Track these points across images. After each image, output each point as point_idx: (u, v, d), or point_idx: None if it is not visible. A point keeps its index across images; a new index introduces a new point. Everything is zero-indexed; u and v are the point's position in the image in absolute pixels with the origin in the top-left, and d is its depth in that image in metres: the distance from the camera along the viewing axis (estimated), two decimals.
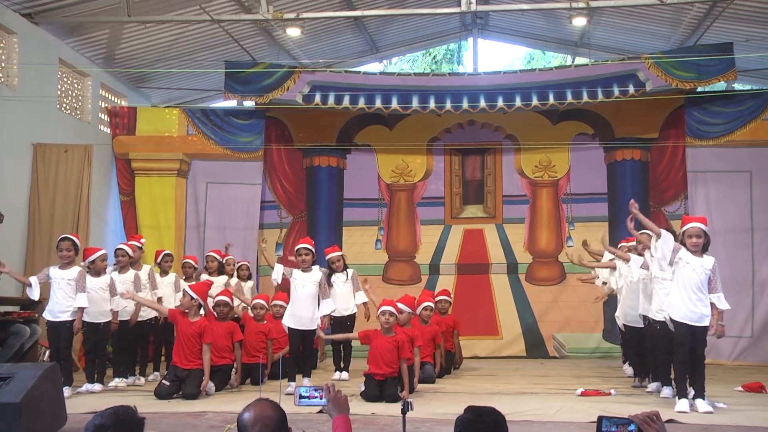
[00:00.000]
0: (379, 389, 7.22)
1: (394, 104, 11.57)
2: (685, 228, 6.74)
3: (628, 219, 7.95)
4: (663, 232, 6.73)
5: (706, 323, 6.60)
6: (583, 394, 7.56)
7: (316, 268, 8.10)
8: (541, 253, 12.30)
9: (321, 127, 12.48)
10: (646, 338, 7.83)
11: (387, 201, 12.53)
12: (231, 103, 12.75)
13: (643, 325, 7.88)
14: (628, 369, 9.23)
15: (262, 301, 9.11)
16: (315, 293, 7.93)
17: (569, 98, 11.35)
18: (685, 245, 6.68)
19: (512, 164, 12.46)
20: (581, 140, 12.30)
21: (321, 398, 3.49)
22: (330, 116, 12.28)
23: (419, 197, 12.53)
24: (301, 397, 3.62)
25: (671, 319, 6.75)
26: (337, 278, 9.12)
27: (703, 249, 6.69)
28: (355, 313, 9.24)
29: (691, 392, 6.65)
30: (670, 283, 6.90)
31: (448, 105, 11.57)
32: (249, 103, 12.35)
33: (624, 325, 8.52)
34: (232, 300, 8.55)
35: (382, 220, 12.50)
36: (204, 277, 9.73)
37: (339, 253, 9.30)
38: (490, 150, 12.52)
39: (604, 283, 9.82)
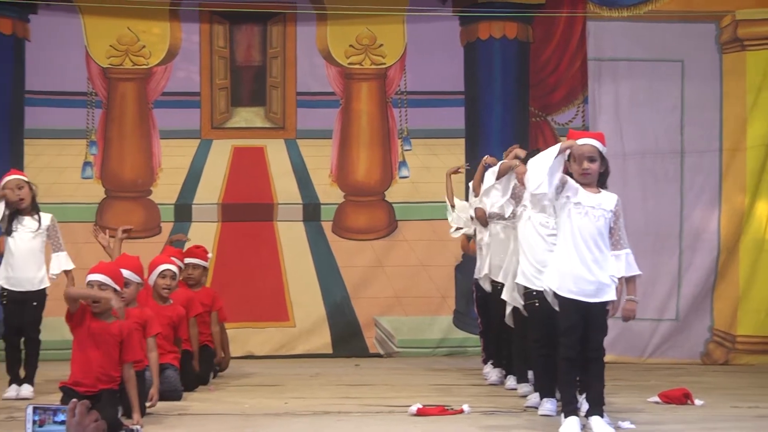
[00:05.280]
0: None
1: None
2: None
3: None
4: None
5: (606, 298, 6.89)
6: (419, 413, 7.75)
7: None
8: (359, 187, 12.52)
9: None
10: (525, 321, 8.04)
11: (103, 98, 12.31)
12: None
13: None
14: (492, 372, 9.60)
15: None
16: None
17: None
18: (571, 175, 6.94)
19: (313, 42, 12.51)
20: (424, 5, 12.47)
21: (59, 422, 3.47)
22: None
23: (158, 93, 12.40)
24: (34, 422, 3.52)
25: (553, 293, 6.98)
26: (22, 226, 8.87)
27: (599, 182, 6.96)
28: (45, 289, 9.06)
29: (584, 406, 6.98)
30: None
31: None
32: None
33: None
34: None
35: (95, 129, 12.28)
36: None
37: (21, 177, 9.06)
38: (276, 16, 12.50)
39: (459, 229, 10.10)
